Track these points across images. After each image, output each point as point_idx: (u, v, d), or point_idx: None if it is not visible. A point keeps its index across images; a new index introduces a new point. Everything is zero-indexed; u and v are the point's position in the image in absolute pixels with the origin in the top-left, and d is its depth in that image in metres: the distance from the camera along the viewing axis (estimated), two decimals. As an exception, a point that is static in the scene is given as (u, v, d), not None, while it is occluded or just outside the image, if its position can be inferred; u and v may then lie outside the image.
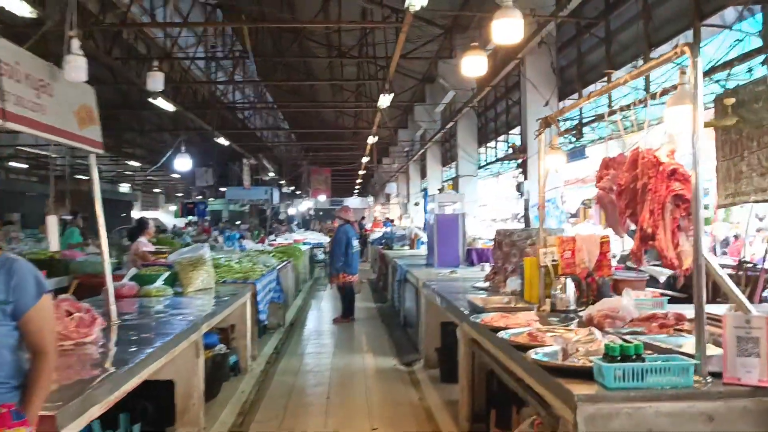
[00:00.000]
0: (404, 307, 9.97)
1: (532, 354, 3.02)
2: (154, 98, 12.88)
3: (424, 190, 24.43)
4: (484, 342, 4.12)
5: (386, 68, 13.04)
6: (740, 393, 2.51)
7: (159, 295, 6.19)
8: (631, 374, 2.49)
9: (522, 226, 11.87)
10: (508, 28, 5.58)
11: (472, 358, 4.81)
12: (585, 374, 2.66)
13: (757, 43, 5.98)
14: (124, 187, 39.84)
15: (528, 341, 3.28)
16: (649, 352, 2.80)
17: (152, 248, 8.93)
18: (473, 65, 7.37)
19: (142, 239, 8.85)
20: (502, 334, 3.58)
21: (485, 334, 3.99)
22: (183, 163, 18.56)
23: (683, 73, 2.99)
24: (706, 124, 4.05)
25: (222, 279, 7.47)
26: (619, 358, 2.54)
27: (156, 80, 10.28)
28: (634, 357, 2.54)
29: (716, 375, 2.60)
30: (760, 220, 12.59)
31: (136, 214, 36.23)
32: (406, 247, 14.68)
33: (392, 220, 25.01)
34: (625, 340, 3.05)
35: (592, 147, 11.01)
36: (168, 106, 14.16)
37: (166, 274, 6.60)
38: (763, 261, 8.97)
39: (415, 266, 9.44)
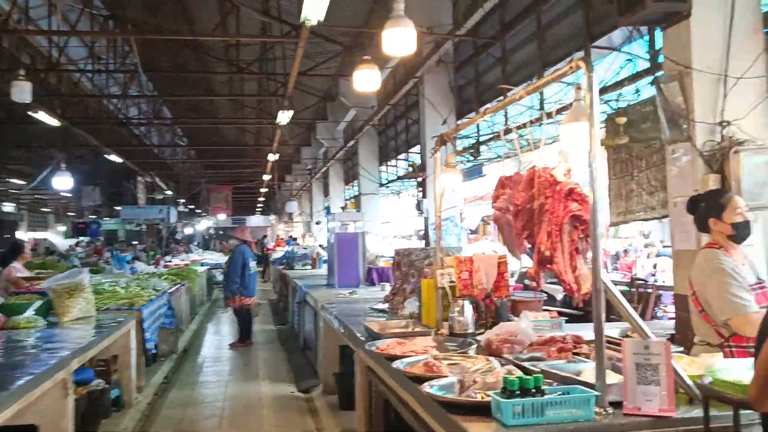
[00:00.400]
0: (304, 330, 9.65)
1: (427, 387, 2.82)
2: (35, 111, 12.00)
3: (327, 208, 24.21)
4: (379, 371, 3.89)
5: (286, 85, 12.74)
6: (641, 424, 2.39)
7: (29, 327, 5.61)
8: (531, 409, 2.32)
9: (423, 243, 11.83)
10: (399, 39, 5.37)
11: (369, 387, 4.56)
12: (482, 409, 2.47)
13: (645, 64, 6.12)
14: (9, 206, 37.32)
15: (424, 372, 3.07)
16: (549, 381, 2.66)
17: (27, 273, 8.23)
18: (365, 80, 7.12)
19: (16, 264, 8.14)
20: (397, 363, 3.36)
21: (381, 363, 3.77)
22: (63, 182, 17.22)
23: (578, 89, 2.90)
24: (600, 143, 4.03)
25: (104, 306, 6.92)
26: (518, 391, 2.36)
27: (23, 90, 9.41)
28: (533, 390, 2.38)
29: (617, 404, 2.47)
30: (646, 236, 13.13)
31: (21, 234, 33.97)
32: (308, 267, 14.34)
33: (295, 239, 24.58)
34: (524, 369, 2.90)
35: (489, 165, 11.14)
36: (52, 121, 13.24)
37: (39, 302, 6.04)
38: (652, 276, 9.26)
39: (315, 287, 9.14)
